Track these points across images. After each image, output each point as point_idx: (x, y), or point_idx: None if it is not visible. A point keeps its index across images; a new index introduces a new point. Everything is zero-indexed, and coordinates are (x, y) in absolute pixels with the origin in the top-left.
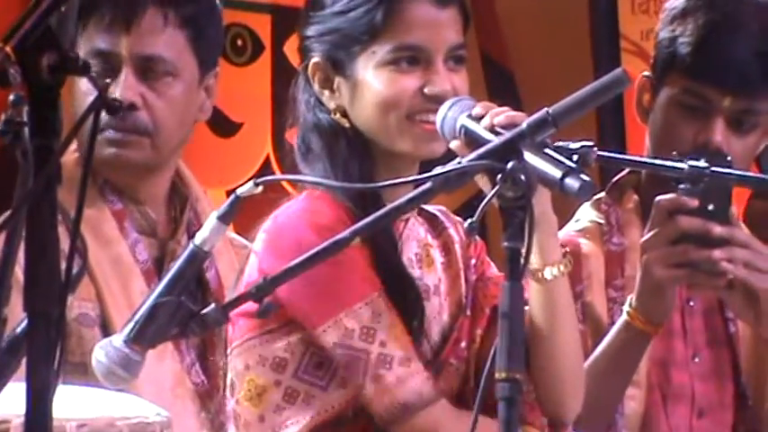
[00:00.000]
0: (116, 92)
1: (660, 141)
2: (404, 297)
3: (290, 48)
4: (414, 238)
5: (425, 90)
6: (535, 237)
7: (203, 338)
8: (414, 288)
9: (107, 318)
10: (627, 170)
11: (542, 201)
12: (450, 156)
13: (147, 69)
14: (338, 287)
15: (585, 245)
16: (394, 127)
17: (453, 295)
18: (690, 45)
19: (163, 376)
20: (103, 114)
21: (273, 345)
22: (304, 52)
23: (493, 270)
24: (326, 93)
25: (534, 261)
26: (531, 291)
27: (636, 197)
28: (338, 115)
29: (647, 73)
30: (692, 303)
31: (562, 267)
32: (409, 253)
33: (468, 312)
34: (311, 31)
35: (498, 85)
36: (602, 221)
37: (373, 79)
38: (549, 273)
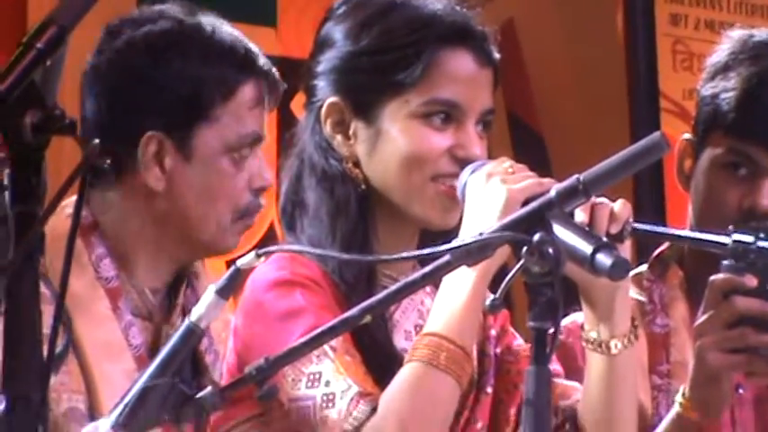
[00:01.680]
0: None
1: (703, 209)
2: (386, 370)
3: (298, 103)
4: (414, 309)
5: (457, 152)
6: (604, 303)
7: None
8: (397, 361)
9: (97, 409)
10: (668, 242)
11: (625, 253)
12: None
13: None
14: (284, 335)
15: None
16: (416, 186)
17: None
18: (733, 101)
19: None
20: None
21: None
22: (312, 90)
23: (519, 342)
24: (339, 138)
25: (601, 331)
26: (593, 361)
27: (681, 273)
28: (350, 164)
29: (687, 135)
30: (741, 391)
31: (632, 338)
32: (407, 324)
33: (490, 390)
34: (329, 66)
35: (526, 147)
36: (643, 299)
37: (401, 131)
38: (615, 345)
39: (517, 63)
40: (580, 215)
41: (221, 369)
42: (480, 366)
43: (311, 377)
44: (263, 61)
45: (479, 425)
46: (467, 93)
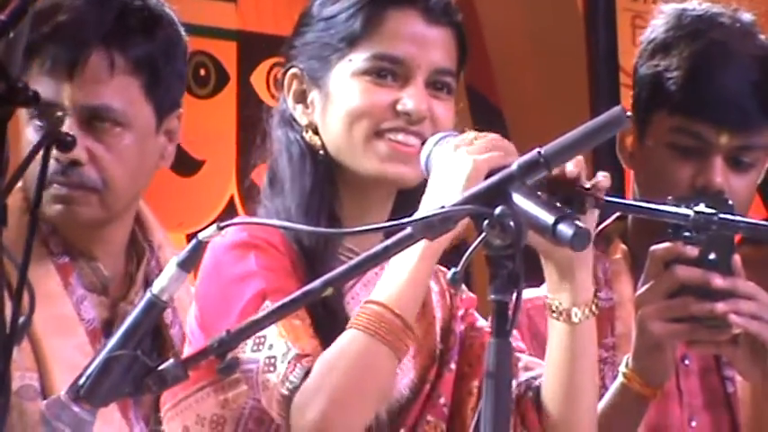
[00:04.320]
0: (72, 154)
1: (651, 186)
2: (334, 330)
3: (258, 77)
4: (374, 284)
5: (398, 106)
6: (565, 271)
7: (152, 406)
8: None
9: (49, 386)
10: (613, 217)
11: (588, 224)
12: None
13: (94, 120)
14: (232, 303)
15: None
16: (359, 142)
17: (425, 346)
18: (679, 80)
19: None
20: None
21: (209, 402)
22: (285, 62)
23: (482, 323)
24: (300, 108)
25: (562, 299)
26: (554, 330)
27: (624, 246)
28: (310, 133)
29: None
30: (687, 362)
31: (593, 308)
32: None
33: (453, 366)
34: (295, 41)
35: (485, 121)
36: None
37: (346, 89)
38: (576, 314)
39: (475, 36)
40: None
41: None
42: (445, 343)
43: (256, 341)
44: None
45: (442, 400)
46: (412, 50)
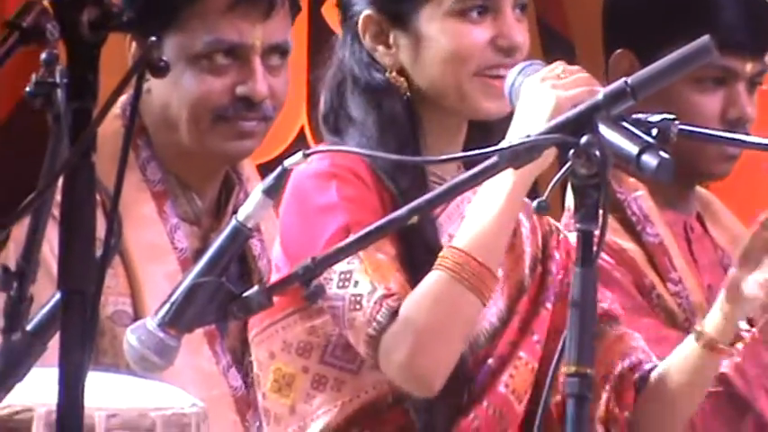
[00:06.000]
0: (251, 86)
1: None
2: (426, 265)
3: (329, 9)
4: (459, 215)
5: (498, 42)
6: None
7: (239, 338)
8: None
9: (141, 312)
10: None
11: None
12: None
13: (273, 56)
14: (316, 235)
15: (621, 242)
16: (464, 82)
17: (513, 277)
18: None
19: (197, 377)
20: (228, 103)
21: (296, 329)
22: (347, 6)
23: None
24: (381, 48)
25: (720, 328)
26: (692, 351)
27: (633, 180)
28: (395, 73)
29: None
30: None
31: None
32: (451, 229)
33: (550, 306)
34: None
35: (558, 56)
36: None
37: (440, 32)
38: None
39: None
40: None
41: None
42: (540, 281)
43: (342, 276)
44: None
45: (535, 337)
46: None
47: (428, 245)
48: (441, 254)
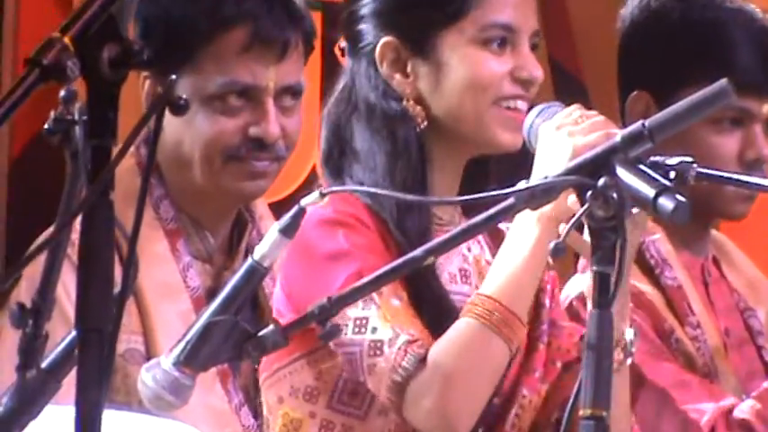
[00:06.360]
0: (264, 128)
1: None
2: (436, 312)
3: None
4: (458, 253)
5: (516, 74)
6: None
7: (251, 377)
8: (447, 302)
9: (154, 351)
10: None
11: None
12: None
13: (286, 97)
14: (328, 283)
15: (640, 285)
16: (483, 111)
17: None
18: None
19: (210, 416)
20: (240, 143)
21: (303, 374)
22: (358, 35)
23: (563, 318)
24: (398, 77)
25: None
26: None
27: (652, 223)
28: (411, 102)
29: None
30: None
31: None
32: (450, 268)
33: (546, 339)
34: (376, 7)
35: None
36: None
37: (462, 60)
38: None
39: (559, 8)
40: None
41: None
42: (537, 317)
43: (357, 322)
44: (255, 2)
45: (537, 374)
46: (518, 15)
47: (431, 287)
48: (469, 300)
